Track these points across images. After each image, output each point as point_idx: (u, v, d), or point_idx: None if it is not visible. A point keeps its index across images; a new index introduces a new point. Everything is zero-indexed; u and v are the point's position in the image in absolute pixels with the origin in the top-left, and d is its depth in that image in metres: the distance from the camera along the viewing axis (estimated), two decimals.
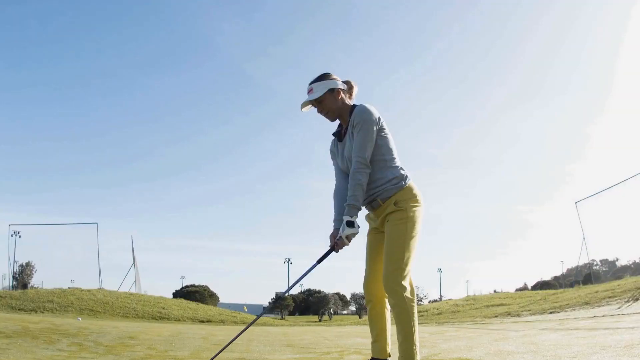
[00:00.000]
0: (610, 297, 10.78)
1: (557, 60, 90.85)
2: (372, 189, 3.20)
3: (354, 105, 3.33)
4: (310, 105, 3.43)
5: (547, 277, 56.54)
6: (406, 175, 3.22)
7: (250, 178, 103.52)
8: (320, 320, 47.63)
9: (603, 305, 10.21)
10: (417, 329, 3.06)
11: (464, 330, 9.27)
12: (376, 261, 3.29)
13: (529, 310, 13.28)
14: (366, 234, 3.44)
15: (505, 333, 7.88)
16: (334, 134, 3.45)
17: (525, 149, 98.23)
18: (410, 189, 3.19)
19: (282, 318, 40.96)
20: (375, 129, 3.16)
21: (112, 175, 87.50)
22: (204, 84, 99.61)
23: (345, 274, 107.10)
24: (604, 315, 8.68)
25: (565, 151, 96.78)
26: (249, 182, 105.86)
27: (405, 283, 3.05)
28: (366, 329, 11.60)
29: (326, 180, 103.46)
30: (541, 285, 48.13)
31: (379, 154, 3.19)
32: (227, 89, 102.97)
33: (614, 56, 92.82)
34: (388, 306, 3.27)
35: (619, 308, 9.25)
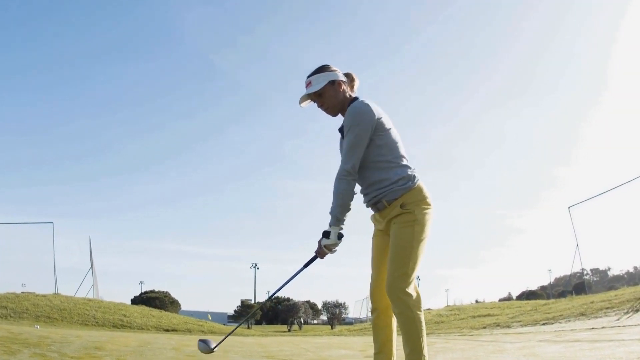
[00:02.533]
0: (607, 308, 11.07)
1: (548, 55, 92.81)
2: (377, 190, 3.23)
3: (352, 100, 3.34)
4: (309, 100, 3.44)
5: (534, 286, 57.65)
6: (414, 176, 3.22)
7: (214, 176, 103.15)
8: (289, 330, 47.66)
9: (600, 317, 10.48)
10: (426, 340, 3.06)
11: (453, 342, 9.42)
12: (382, 266, 3.32)
13: (519, 322, 13.53)
14: (372, 236, 3.47)
15: (500, 345, 8.04)
16: (339, 130, 3.44)
17: (511, 149, 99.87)
18: (419, 190, 3.20)
19: (248, 327, 40.86)
20: (366, 133, 3.16)
21: (67, 171, 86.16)
22: (167, 74, 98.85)
23: (316, 280, 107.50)
24: (603, 327, 8.92)
25: (554, 153, 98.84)
26: (213, 181, 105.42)
27: (410, 290, 3.08)
28: (348, 340, 11.69)
29: (296, 180, 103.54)
30: (527, 295, 49.09)
31: (379, 155, 3.20)
32: (192, 81, 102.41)
33: (607, 52, 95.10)
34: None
35: (618, 320, 9.51)
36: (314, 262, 3.39)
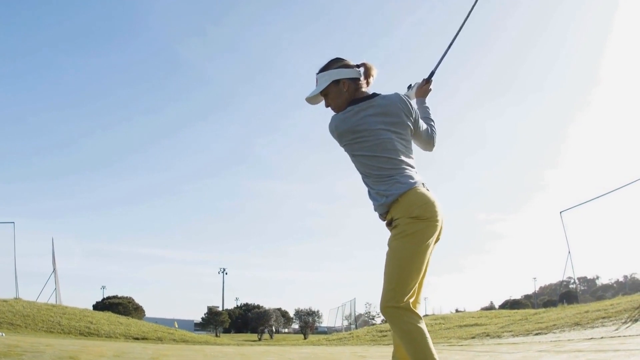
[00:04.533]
0: (603, 317, 11.29)
1: (534, 51, 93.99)
2: (373, 206, 3.29)
3: (363, 99, 3.30)
4: (321, 98, 3.43)
5: (517, 295, 58.34)
6: (407, 184, 3.13)
7: (179, 175, 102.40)
8: (259, 339, 47.49)
9: (597, 327, 10.69)
10: (432, 351, 2.95)
11: (446, 353, 9.52)
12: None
13: (510, 331, 13.72)
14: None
15: (498, 356, 8.16)
16: None
17: (493, 151, 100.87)
18: (408, 201, 3.10)
19: (216, 335, 40.63)
20: (339, 143, 3.31)
21: (27, 168, 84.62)
22: (130, 66, 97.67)
23: (288, 287, 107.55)
24: (602, 337, 9.11)
25: (540, 154, 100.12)
26: (177, 180, 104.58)
27: (402, 304, 3.03)
28: (333, 350, 11.72)
29: (266, 180, 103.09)
30: (511, 305, 49.71)
31: (367, 167, 3.23)
32: (156, 73, 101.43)
33: (598, 49, 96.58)
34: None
35: (616, 330, 9.72)
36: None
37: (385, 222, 3.22)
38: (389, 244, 3.13)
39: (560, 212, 20.79)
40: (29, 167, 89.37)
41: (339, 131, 3.23)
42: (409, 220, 3.07)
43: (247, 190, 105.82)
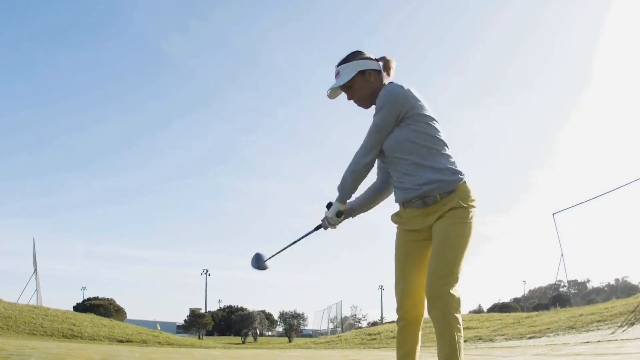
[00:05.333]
0: (598, 321, 11.40)
1: (524, 49, 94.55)
2: (423, 181, 3.13)
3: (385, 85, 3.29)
4: (340, 92, 3.43)
5: (506, 298, 58.63)
6: (462, 171, 3.20)
7: (161, 174, 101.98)
8: (243, 342, 47.39)
9: (592, 330, 10.79)
10: (463, 346, 3.00)
11: None
12: (414, 272, 3.24)
13: (503, 335, 13.81)
14: (396, 238, 3.36)
15: (495, 359, 8.22)
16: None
17: (481, 151, 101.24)
18: (468, 187, 3.16)
19: (199, 338, 40.50)
20: (393, 116, 3.12)
21: (4, 167, 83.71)
22: (112, 61, 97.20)
23: (271, 289, 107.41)
24: (598, 341, 9.19)
25: (530, 155, 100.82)
26: (159, 179, 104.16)
27: (455, 292, 2.98)
28: (325, 354, 11.75)
29: (249, 179, 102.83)
30: (500, 308, 49.91)
31: (419, 139, 3.14)
32: (138, 69, 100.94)
33: (590, 49, 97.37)
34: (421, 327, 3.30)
35: (612, 333, 9.82)
36: (318, 230, 3.47)
37: (429, 203, 3.12)
38: (442, 228, 3.08)
39: (553, 214, 20.61)
40: (8, 165, 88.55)
41: (413, 100, 3.15)
42: (473, 207, 3.12)
43: (231, 190, 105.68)
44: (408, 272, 3.27)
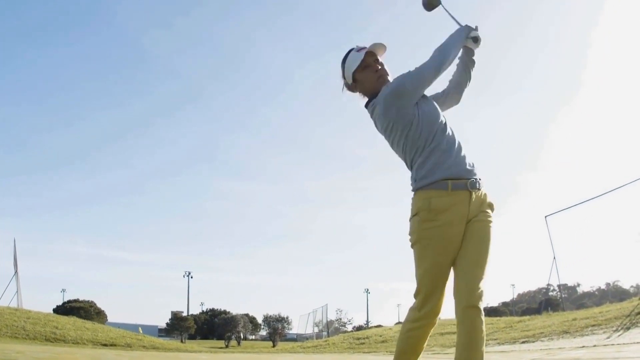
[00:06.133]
0: (593, 325, 11.53)
1: (514, 49, 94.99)
2: (470, 163, 3.11)
3: None
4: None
5: (494, 302, 58.88)
6: None
7: (141, 173, 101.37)
8: (227, 346, 47.31)
9: (587, 335, 10.91)
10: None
11: None
12: (449, 271, 3.03)
13: (495, 339, 13.91)
14: (436, 225, 2.98)
15: None
16: None
17: (470, 152, 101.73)
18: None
19: (182, 342, 40.35)
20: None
21: None
22: (92, 58, 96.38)
23: (254, 291, 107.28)
24: (595, 346, 9.31)
25: (518, 157, 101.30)
26: (140, 178, 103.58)
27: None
28: (316, 358, 11.73)
29: (232, 180, 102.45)
30: (488, 312, 50.19)
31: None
32: (120, 66, 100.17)
33: (582, 48, 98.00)
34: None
35: (608, 338, 9.94)
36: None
37: (474, 187, 3.03)
38: (483, 229, 3.02)
39: (546, 217, 20.69)
40: None
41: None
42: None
43: (214, 190, 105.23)
44: (447, 270, 3.04)
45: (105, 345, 14.87)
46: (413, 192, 3.10)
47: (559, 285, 27.37)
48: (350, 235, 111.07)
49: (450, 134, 3.13)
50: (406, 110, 3.05)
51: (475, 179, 3.06)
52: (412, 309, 3.10)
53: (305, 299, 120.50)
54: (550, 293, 32.90)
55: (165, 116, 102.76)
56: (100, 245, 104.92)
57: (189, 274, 72.90)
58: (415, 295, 3.08)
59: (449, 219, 2.97)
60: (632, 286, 29.59)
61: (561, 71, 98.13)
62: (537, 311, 25.21)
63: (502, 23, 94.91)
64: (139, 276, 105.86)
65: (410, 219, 3.09)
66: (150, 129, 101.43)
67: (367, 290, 76.64)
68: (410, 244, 3.10)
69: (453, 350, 13.56)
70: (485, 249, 2.99)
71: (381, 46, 3.29)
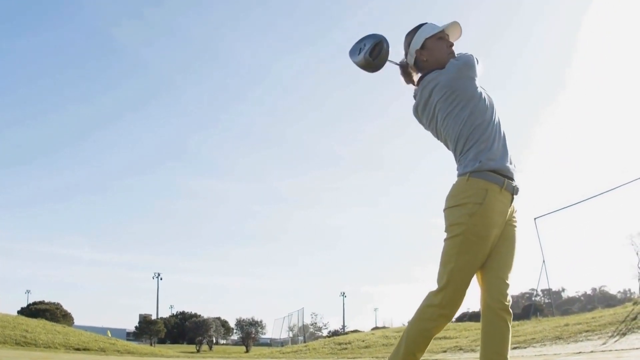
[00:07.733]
0: (587, 331, 11.70)
1: (496, 48, 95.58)
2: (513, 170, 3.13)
3: None
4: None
5: (476, 307, 59.13)
6: None
7: (108, 170, 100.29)
8: (198, 351, 47.16)
9: (581, 341, 11.07)
10: None
11: None
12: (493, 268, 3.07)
13: None
14: (480, 223, 2.97)
15: None
16: None
17: (450, 152, 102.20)
18: None
19: (151, 345, 40.17)
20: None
21: None
22: (59, 50, 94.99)
23: (226, 294, 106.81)
24: (591, 351, 9.46)
25: None
26: (106, 176, 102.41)
27: None
28: None
29: (203, 177, 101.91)
30: (470, 317, 50.44)
31: None
32: (88, 57, 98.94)
33: (566, 48, 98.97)
34: None
35: (604, 344, 10.10)
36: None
37: (515, 192, 3.10)
38: (515, 233, 3.13)
39: (535, 219, 20.59)
40: None
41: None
42: None
43: (183, 189, 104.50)
44: (477, 270, 3.09)
45: (78, 349, 14.77)
46: (462, 175, 3.07)
47: (543, 290, 27.63)
48: (326, 237, 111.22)
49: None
50: (474, 83, 3.10)
51: (517, 184, 3.12)
52: (431, 306, 3.04)
53: (279, 302, 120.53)
54: (534, 298, 33.24)
55: (134, 110, 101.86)
56: (65, 245, 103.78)
57: (159, 275, 72.37)
58: (440, 291, 3.03)
59: (499, 221, 3.02)
60: (619, 291, 30.07)
61: (545, 71, 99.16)
62: (521, 317, 25.44)
63: (484, 22, 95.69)
64: (105, 277, 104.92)
65: (454, 207, 3.03)
66: (119, 124, 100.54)
67: (343, 294, 76.72)
68: (448, 233, 3.05)
69: (443, 356, 13.66)
70: (515, 253, 3.09)
71: (457, 27, 3.30)
